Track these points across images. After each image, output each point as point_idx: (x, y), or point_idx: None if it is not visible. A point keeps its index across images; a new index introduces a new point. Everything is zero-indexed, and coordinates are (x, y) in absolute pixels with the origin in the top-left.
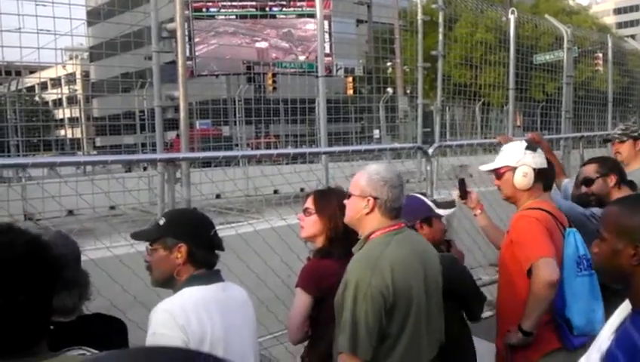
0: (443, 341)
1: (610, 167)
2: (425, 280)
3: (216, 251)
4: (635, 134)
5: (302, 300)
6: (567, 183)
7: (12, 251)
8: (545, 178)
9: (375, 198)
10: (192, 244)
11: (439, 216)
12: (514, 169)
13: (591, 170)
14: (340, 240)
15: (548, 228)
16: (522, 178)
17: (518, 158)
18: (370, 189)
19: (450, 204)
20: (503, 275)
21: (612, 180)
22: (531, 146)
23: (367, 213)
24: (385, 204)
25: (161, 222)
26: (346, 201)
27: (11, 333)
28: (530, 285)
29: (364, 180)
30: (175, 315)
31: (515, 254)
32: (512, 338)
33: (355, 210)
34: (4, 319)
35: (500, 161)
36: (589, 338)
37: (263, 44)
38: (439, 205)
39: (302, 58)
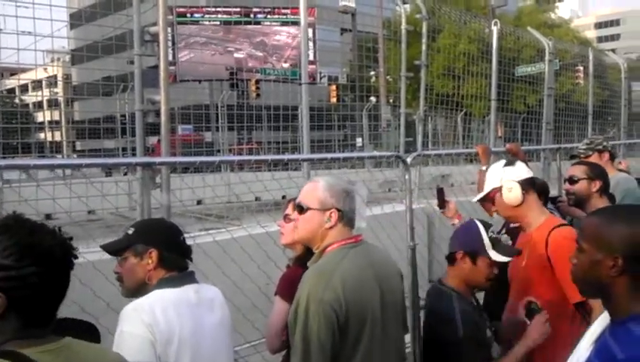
0: (405, 359)
1: (598, 173)
2: (381, 296)
3: (187, 258)
4: (600, 147)
5: (280, 308)
6: None
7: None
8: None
9: (339, 210)
10: (162, 249)
11: (489, 257)
12: (500, 188)
13: (579, 171)
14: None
15: None
16: (509, 194)
17: (500, 177)
18: (332, 201)
19: (510, 252)
20: (526, 289)
21: (596, 186)
22: (509, 162)
23: (330, 227)
24: (347, 216)
25: (130, 231)
26: (298, 216)
27: (23, 309)
28: (573, 313)
29: (323, 191)
30: (142, 314)
31: (554, 276)
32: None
33: (314, 225)
34: (18, 293)
35: (487, 186)
36: None
37: (241, 54)
38: (499, 247)
39: (285, 65)
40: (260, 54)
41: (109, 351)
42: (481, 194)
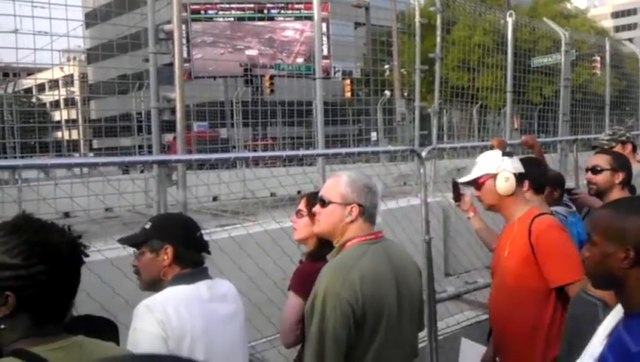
0: (417, 355)
1: (622, 164)
2: (398, 293)
3: (204, 253)
4: (623, 138)
5: (293, 303)
6: None
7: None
8: (531, 179)
9: (360, 206)
10: (177, 245)
11: None
12: (494, 176)
13: (602, 161)
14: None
15: (567, 232)
16: (505, 183)
17: (497, 165)
18: (354, 196)
19: None
20: (507, 279)
21: (619, 177)
22: (507, 153)
23: (351, 222)
24: (367, 211)
25: (147, 226)
26: (319, 210)
27: (33, 307)
28: (555, 300)
29: (345, 186)
30: (154, 311)
31: (537, 264)
32: None
33: (335, 219)
34: (27, 292)
35: (478, 170)
36: None
37: (252, 52)
38: None
39: (299, 61)
40: (270, 51)
41: (122, 350)
42: (470, 177)
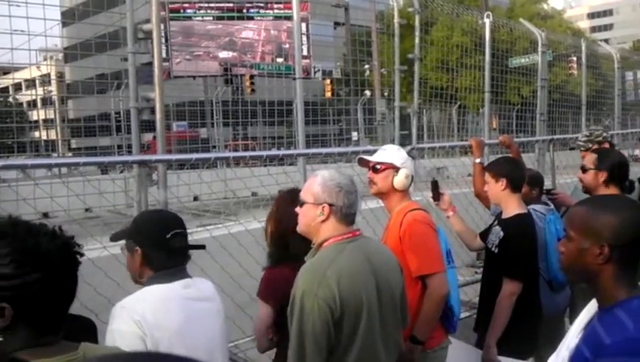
0: (402, 350)
1: (606, 162)
2: (378, 290)
3: (179, 254)
4: (600, 139)
5: (264, 310)
6: None
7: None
8: (509, 178)
9: (330, 205)
10: (145, 248)
11: None
12: (397, 169)
13: (589, 160)
14: (287, 245)
15: (433, 228)
16: (404, 179)
17: (403, 161)
18: (325, 196)
19: None
20: None
21: (602, 176)
22: (411, 154)
23: (323, 221)
24: (340, 211)
25: (130, 224)
26: (298, 209)
27: (31, 317)
28: (425, 297)
29: (318, 186)
30: (130, 310)
31: (404, 254)
32: (413, 353)
33: (308, 219)
34: (23, 302)
35: (384, 157)
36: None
37: (230, 54)
38: None
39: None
40: (234, 54)
41: (122, 350)
42: (375, 159)
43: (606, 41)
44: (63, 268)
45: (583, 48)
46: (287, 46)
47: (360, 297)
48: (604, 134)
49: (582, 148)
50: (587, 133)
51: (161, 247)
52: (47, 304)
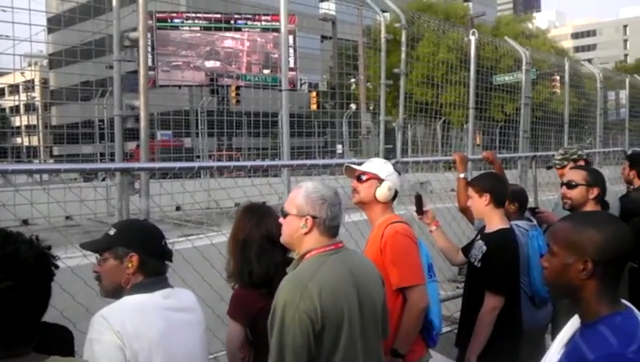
0: None
1: (598, 180)
2: (360, 302)
3: (167, 261)
4: (575, 157)
5: (233, 329)
6: None
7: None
8: (492, 193)
9: (314, 218)
10: (142, 253)
11: None
12: (380, 180)
13: (577, 176)
14: (241, 267)
15: (414, 241)
16: (386, 191)
17: (388, 173)
18: (308, 208)
19: None
20: None
21: (593, 193)
22: (396, 168)
23: (306, 233)
24: (324, 223)
25: (112, 232)
26: (282, 220)
27: (1, 326)
28: (405, 309)
29: (301, 198)
30: (110, 321)
31: (384, 266)
32: None
33: (291, 230)
34: None
35: (369, 167)
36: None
37: (217, 63)
38: None
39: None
40: (220, 64)
41: None
42: (360, 168)
43: (589, 60)
44: (39, 277)
45: (567, 67)
46: (275, 56)
47: (341, 309)
48: (579, 152)
49: (557, 166)
50: (562, 152)
51: (156, 253)
52: (19, 314)
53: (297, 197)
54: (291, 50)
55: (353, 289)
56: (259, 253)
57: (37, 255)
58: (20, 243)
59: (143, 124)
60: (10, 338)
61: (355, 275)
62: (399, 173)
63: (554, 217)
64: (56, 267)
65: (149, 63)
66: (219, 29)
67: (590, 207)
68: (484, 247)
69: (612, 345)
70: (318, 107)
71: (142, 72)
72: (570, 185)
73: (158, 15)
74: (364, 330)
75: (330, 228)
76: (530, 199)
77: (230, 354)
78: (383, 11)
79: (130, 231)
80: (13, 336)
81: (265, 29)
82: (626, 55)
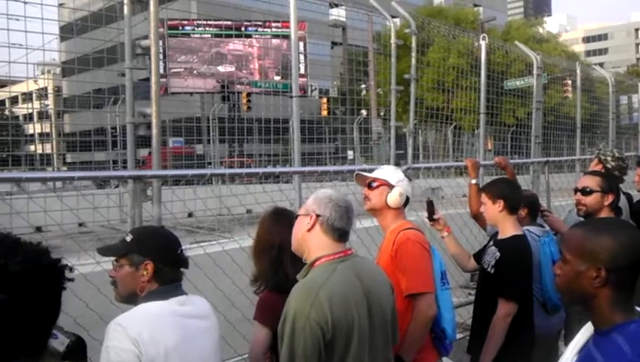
0: None
1: (612, 186)
2: (369, 310)
3: (182, 269)
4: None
5: (259, 333)
6: None
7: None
8: (506, 199)
9: (317, 215)
10: (158, 261)
11: None
12: (391, 186)
13: (592, 182)
14: (276, 270)
15: (427, 248)
16: (397, 197)
17: (399, 179)
18: (314, 206)
19: None
20: None
21: (608, 199)
22: (407, 174)
23: (309, 230)
24: (327, 222)
25: (128, 238)
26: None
27: (10, 341)
28: (412, 317)
29: (310, 200)
30: (127, 328)
31: (395, 273)
32: None
33: (298, 229)
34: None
35: (380, 174)
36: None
37: (228, 70)
38: None
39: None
40: (232, 71)
41: None
42: (371, 175)
43: (601, 64)
44: (33, 290)
45: (578, 72)
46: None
47: (352, 318)
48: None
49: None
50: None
51: (172, 262)
52: (18, 326)
53: (308, 200)
54: (302, 57)
55: (363, 297)
56: (293, 257)
57: (28, 269)
58: (13, 255)
59: (154, 131)
60: (11, 352)
61: (364, 283)
62: (410, 179)
63: (558, 222)
64: (68, 280)
65: (161, 71)
66: (229, 36)
67: (605, 213)
68: (498, 254)
69: (626, 353)
70: (328, 113)
71: (153, 79)
72: (584, 192)
73: (169, 23)
74: (374, 338)
75: (335, 229)
76: (543, 205)
77: (254, 359)
78: (393, 17)
79: (147, 239)
80: (16, 349)
81: (275, 36)
82: (637, 59)
